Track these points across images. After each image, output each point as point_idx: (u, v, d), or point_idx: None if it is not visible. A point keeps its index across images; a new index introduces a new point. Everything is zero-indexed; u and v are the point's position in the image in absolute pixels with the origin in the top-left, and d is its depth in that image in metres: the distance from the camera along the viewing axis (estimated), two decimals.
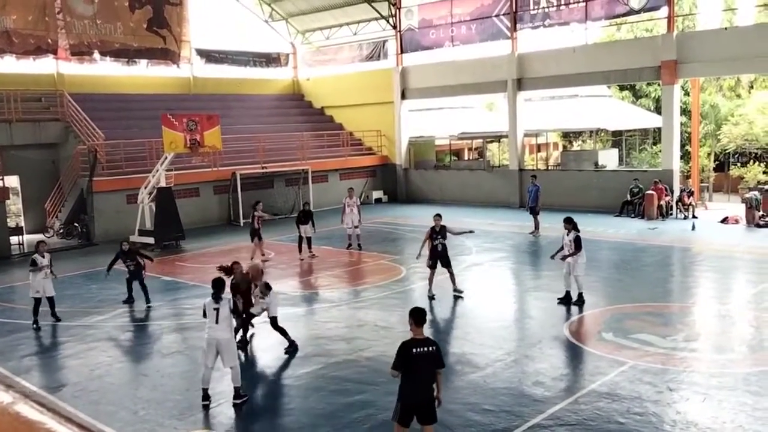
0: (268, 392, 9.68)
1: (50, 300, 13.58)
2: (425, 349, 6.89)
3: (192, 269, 18.41)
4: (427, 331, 12.07)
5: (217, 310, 9.04)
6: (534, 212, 21.66)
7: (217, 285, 9.24)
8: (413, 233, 23.18)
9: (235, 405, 9.09)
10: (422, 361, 6.84)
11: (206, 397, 9.20)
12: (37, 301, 13.31)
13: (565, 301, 13.52)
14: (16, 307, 15.28)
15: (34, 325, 13.21)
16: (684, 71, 24.60)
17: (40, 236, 24.55)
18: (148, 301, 14.57)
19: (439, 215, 14.74)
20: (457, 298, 14.33)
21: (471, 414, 8.60)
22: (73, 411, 9.17)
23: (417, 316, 7.06)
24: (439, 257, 14.36)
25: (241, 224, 26.52)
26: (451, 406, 8.75)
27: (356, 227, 20.35)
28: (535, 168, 31.00)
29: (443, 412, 8.43)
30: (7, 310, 14.92)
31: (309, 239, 19.26)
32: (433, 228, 14.42)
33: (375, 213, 28.57)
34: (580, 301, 13.38)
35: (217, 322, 9.03)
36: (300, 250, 19.29)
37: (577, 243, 13.32)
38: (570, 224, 13.51)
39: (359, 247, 20.30)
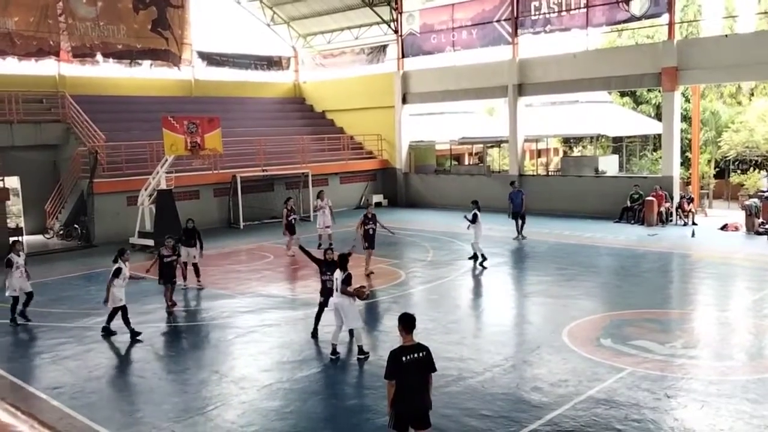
0: (266, 396, 9.66)
1: (29, 295, 13.72)
2: (416, 355, 6.82)
3: (190, 271, 18.39)
4: (424, 335, 12.08)
5: (337, 279, 10.96)
6: (522, 217, 21.95)
7: (343, 260, 11.11)
8: (413, 238, 23.21)
9: (359, 360, 10.80)
10: (413, 369, 6.78)
11: (335, 351, 10.98)
12: (15, 300, 13.54)
13: (474, 259, 17.86)
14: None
15: (12, 323, 13.45)
16: (685, 78, 24.63)
17: (40, 237, 24.75)
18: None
19: (371, 204, 19.41)
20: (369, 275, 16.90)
21: (468, 419, 8.59)
22: (70, 412, 9.17)
23: (406, 322, 6.95)
24: (370, 239, 17.41)
25: (241, 227, 26.55)
26: (448, 411, 8.75)
27: (327, 227, 20.97)
28: (535, 173, 31.03)
29: (440, 418, 8.44)
30: (6, 311, 14.88)
31: (195, 265, 16.35)
32: (365, 215, 17.56)
33: None
34: (483, 260, 17.66)
35: (338, 290, 10.91)
36: (184, 277, 15.74)
37: (474, 218, 17.84)
38: (474, 204, 18.34)
39: (330, 246, 20.41)
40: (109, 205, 24.17)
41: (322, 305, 11.87)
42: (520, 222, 21.95)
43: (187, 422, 8.76)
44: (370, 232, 17.37)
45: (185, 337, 12.84)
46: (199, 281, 16.43)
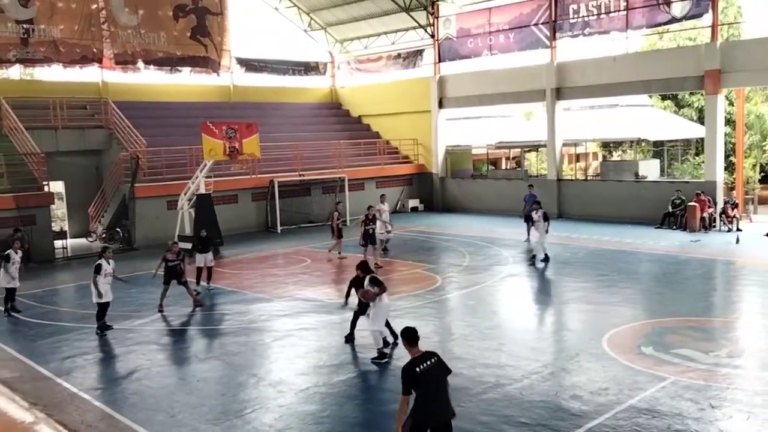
0: (303, 400, 9.69)
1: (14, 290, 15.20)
2: (428, 362, 6.68)
3: (230, 275, 18.58)
4: (461, 341, 12.02)
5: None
6: (531, 220, 21.56)
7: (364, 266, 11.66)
8: (449, 242, 23.12)
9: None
10: (431, 376, 6.64)
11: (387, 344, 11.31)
12: (9, 292, 15.09)
13: (545, 260, 18.57)
14: (59, 310, 15.64)
15: (6, 314, 14.91)
16: (728, 81, 24.09)
17: (83, 240, 25.30)
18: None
19: (371, 206, 19.84)
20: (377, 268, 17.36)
21: (506, 427, 8.48)
22: (111, 412, 9.33)
23: (407, 336, 6.85)
24: (369, 238, 18.86)
25: (279, 231, 26.76)
26: (486, 419, 8.66)
27: (389, 232, 21.22)
28: (574, 178, 30.68)
29: (477, 425, 8.38)
30: (50, 313, 15.26)
31: (210, 269, 16.95)
32: (366, 215, 19.02)
33: (411, 222, 28.52)
34: (547, 260, 18.60)
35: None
36: (198, 281, 16.68)
37: (545, 217, 18.73)
38: (539, 205, 19.24)
39: (384, 251, 20.77)
40: (150, 209, 24.60)
41: (358, 314, 11.93)
42: (530, 224, 21.87)
43: (225, 425, 8.83)
44: (370, 231, 18.95)
45: (223, 340, 12.96)
46: (209, 284, 16.92)
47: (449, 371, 6.86)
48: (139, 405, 9.70)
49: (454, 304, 15.34)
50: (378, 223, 20.83)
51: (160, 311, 14.75)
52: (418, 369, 6.64)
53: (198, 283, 16.58)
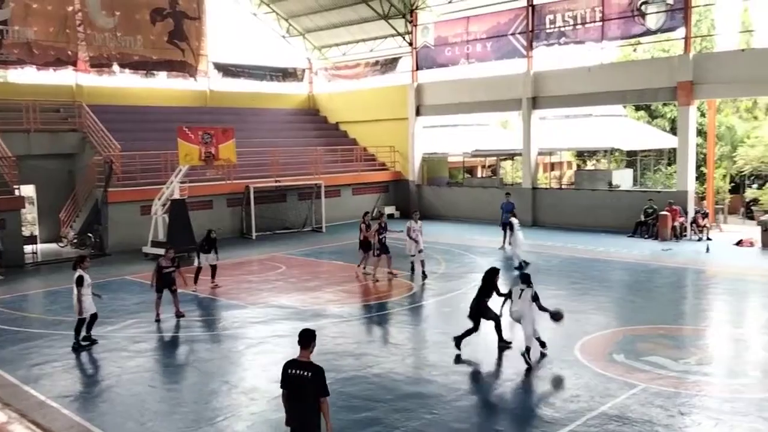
0: (276, 407, 9.61)
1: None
2: (301, 372, 6.61)
3: (203, 281, 18.41)
4: (435, 348, 12.01)
5: (522, 290, 11.37)
6: (510, 227, 21.33)
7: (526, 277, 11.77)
8: (425, 250, 23.08)
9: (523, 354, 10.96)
10: (294, 384, 6.62)
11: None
12: None
13: (520, 266, 18.93)
14: (28, 316, 15.39)
15: None
16: (700, 92, 24.51)
17: (54, 245, 24.94)
18: None
19: (382, 214, 20.93)
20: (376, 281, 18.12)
21: None
22: (81, 421, 9.19)
23: (300, 336, 6.88)
24: (383, 247, 18.50)
25: (254, 237, 26.61)
26: (459, 426, 8.69)
27: (420, 252, 18.72)
28: (548, 187, 30.94)
29: None
30: (18, 319, 15.02)
31: (214, 267, 17.81)
32: (380, 224, 18.78)
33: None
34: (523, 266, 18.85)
35: (519, 297, 11.35)
36: (195, 281, 17.38)
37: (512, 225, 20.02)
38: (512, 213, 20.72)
39: (423, 275, 18.30)
40: (123, 215, 24.30)
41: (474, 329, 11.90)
42: (508, 233, 22.09)
43: None
44: (383, 240, 18.46)
45: (196, 347, 12.84)
46: (214, 281, 17.75)
47: (323, 393, 6.61)
48: (109, 413, 9.57)
49: (430, 311, 15.37)
50: (408, 242, 18.94)
51: (157, 321, 14.35)
52: (289, 371, 6.69)
53: (195, 282, 17.28)
